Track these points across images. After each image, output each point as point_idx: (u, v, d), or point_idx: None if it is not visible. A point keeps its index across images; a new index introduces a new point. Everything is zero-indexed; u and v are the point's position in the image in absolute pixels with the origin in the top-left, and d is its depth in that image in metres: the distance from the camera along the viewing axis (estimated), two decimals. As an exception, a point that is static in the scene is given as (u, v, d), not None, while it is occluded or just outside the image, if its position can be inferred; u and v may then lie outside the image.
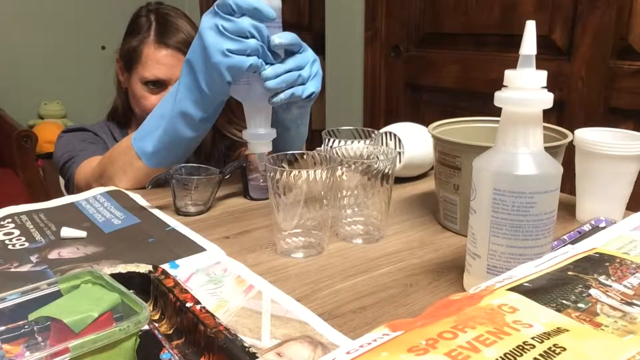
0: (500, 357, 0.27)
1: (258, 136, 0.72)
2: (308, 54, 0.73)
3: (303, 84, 0.72)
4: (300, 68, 0.71)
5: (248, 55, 0.66)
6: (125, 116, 1.09)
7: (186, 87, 0.74)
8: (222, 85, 0.69)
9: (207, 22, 0.68)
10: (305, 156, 0.64)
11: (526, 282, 0.36)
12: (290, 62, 0.70)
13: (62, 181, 1.09)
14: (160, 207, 0.75)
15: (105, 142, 1.04)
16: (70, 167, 0.97)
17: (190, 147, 0.81)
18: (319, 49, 2.48)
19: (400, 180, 0.87)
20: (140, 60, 0.99)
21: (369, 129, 0.78)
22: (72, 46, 3.24)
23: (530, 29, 0.44)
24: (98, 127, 1.08)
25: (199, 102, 0.74)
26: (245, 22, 0.65)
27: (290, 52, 0.71)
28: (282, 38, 0.69)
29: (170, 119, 0.76)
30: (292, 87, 0.71)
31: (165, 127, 0.77)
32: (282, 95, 0.70)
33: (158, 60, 0.98)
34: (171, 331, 0.46)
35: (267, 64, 0.68)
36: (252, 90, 0.70)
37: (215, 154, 1.08)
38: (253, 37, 0.66)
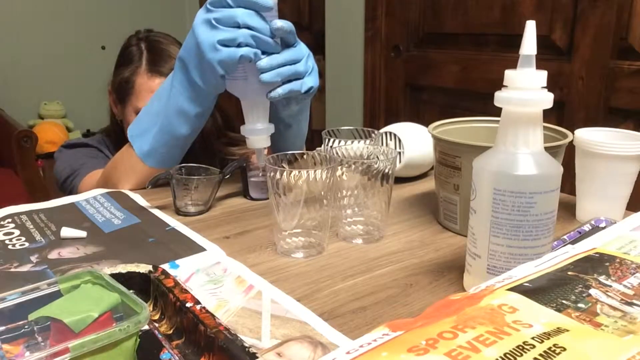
0: (500, 357, 0.27)
1: (256, 131, 0.72)
2: (302, 48, 0.72)
3: (300, 78, 0.72)
4: (295, 61, 0.70)
5: (239, 45, 0.66)
6: (119, 143, 1.07)
7: (181, 84, 0.73)
8: (217, 79, 0.69)
9: (200, 17, 0.68)
10: (305, 156, 0.64)
11: (526, 282, 0.36)
12: (286, 54, 0.69)
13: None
14: (160, 207, 0.75)
15: (107, 157, 1.03)
16: (73, 181, 0.96)
17: (186, 144, 0.81)
18: (319, 49, 2.47)
19: (400, 180, 0.87)
20: (133, 91, 0.97)
21: (369, 129, 0.78)
22: (72, 46, 3.24)
23: (530, 29, 0.44)
24: (96, 141, 1.07)
25: (194, 98, 0.73)
26: (238, 12, 0.65)
27: (285, 44, 0.70)
28: (284, 23, 0.68)
29: (166, 116, 0.76)
30: (288, 81, 0.70)
31: (161, 125, 0.77)
32: (280, 90, 0.69)
33: (152, 89, 0.95)
34: (171, 331, 0.46)
35: (265, 53, 0.67)
36: (248, 85, 0.69)
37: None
38: (246, 26, 0.65)
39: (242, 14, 0.65)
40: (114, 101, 1.04)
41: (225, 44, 0.66)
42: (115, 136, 1.06)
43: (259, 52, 0.67)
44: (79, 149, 1.03)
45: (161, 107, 0.77)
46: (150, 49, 0.99)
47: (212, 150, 1.04)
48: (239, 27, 0.66)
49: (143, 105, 0.93)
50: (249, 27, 0.66)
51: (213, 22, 0.66)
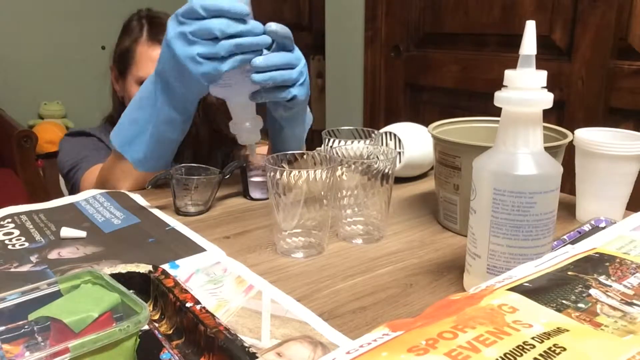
0: (500, 357, 0.27)
1: (244, 129, 0.73)
2: (299, 55, 0.72)
3: (290, 85, 0.70)
4: (291, 66, 0.69)
5: (222, 57, 0.64)
6: None
7: (164, 95, 0.72)
8: (201, 88, 0.69)
9: (173, 30, 0.66)
10: (305, 156, 0.64)
11: (526, 282, 0.36)
12: (283, 57, 0.68)
13: (62, 181, 1.08)
14: (160, 207, 0.75)
15: (108, 147, 1.04)
16: (75, 175, 0.97)
17: (177, 145, 0.80)
18: (319, 49, 2.48)
19: (400, 180, 0.87)
20: (134, 61, 0.98)
21: (369, 129, 0.78)
22: (72, 46, 3.24)
23: (530, 29, 0.44)
24: (99, 130, 1.07)
25: (180, 107, 0.73)
26: (214, 23, 0.63)
27: (282, 48, 0.69)
28: (279, 28, 0.67)
29: (155, 126, 0.75)
30: (278, 86, 0.69)
31: (151, 134, 0.76)
32: (264, 94, 0.69)
33: (152, 58, 0.96)
34: (171, 331, 0.46)
35: (254, 52, 0.66)
36: (232, 90, 0.70)
37: (213, 160, 1.07)
38: (226, 36, 0.64)
39: (219, 25, 0.63)
40: (115, 77, 1.04)
41: (206, 57, 0.64)
42: (117, 119, 1.06)
43: (246, 57, 0.66)
44: (81, 138, 1.03)
45: (146, 116, 0.75)
46: (151, 21, 0.99)
47: (216, 124, 1.04)
48: (216, 38, 0.64)
49: (144, 75, 0.94)
50: (229, 36, 0.64)
51: (189, 36, 0.64)
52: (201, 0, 0.63)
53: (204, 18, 0.64)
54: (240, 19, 0.64)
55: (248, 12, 0.65)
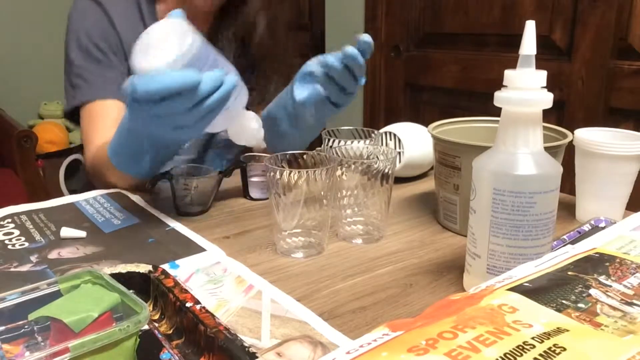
0: (500, 357, 0.27)
1: (249, 132, 0.73)
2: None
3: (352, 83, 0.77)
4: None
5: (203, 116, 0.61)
6: None
7: (158, 144, 0.72)
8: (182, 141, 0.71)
9: (133, 111, 0.63)
10: (305, 156, 0.64)
11: (526, 282, 0.36)
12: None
13: (62, 181, 1.08)
14: (160, 207, 0.75)
15: (118, 38, 0.91)
16: (74, 93, 0.91)
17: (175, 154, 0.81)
18: (319, 49, 2.47)
19: (400, 180, 0.87)
20: None
21: (369, 129, 0.78)
22: (72, 46, 3.24)
23: (530, 29, 0.44)
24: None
25: (166, 148, 0.74)
26: (172, 106, 0.57)
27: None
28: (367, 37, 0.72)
29: (154, 154, 0.74)
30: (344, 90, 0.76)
31: (152, 155, 0.75)
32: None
33: None
34: (171, 331, 0.46)
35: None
36: (218, 123, 0.68)
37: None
38: (190, 108, 0.58)
39: (179, 104, 0.57)
40: None
41: (182, 127, 0.61)
42: None
43: (220, 107, 0.61)
44: (90, 22, 0.91)
45: (137, 148, 0.73)
46: None
47: None
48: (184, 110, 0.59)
49: None
50: (195, 105, 0.58)
51: (152, 118, 0.60)
52: (145, 84, 0.55)
53: (160, 100, 0.56)
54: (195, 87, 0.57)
55: (198, 79, 0.56)
